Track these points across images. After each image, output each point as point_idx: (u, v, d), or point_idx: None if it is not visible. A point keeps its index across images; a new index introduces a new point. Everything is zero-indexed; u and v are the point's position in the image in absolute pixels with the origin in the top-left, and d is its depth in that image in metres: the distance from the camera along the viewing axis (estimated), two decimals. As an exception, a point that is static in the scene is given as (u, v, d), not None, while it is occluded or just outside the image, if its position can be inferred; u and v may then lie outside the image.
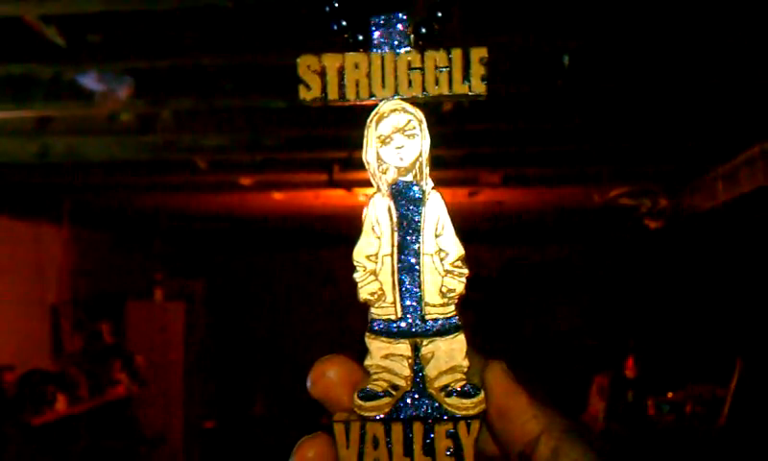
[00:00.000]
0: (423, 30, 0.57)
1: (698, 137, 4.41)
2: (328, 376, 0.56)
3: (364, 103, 0.56)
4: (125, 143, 4.38)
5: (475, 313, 8.49)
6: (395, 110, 0.56)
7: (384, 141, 0.56)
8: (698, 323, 7.25)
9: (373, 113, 0.56)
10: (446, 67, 0.55)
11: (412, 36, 0.57)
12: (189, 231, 8.25)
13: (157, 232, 7.62)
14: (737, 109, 3.86)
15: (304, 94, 0.56)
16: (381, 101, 0.56)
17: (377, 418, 0.54)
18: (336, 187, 4.85)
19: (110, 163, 4.87)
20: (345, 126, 3.67)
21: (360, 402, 0.54)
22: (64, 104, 3.47)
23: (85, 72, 3.06)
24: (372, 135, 0.56)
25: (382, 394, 0.55)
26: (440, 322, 0.56)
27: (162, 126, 3.88)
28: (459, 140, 4.20)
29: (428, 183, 0.56)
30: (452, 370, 0.55)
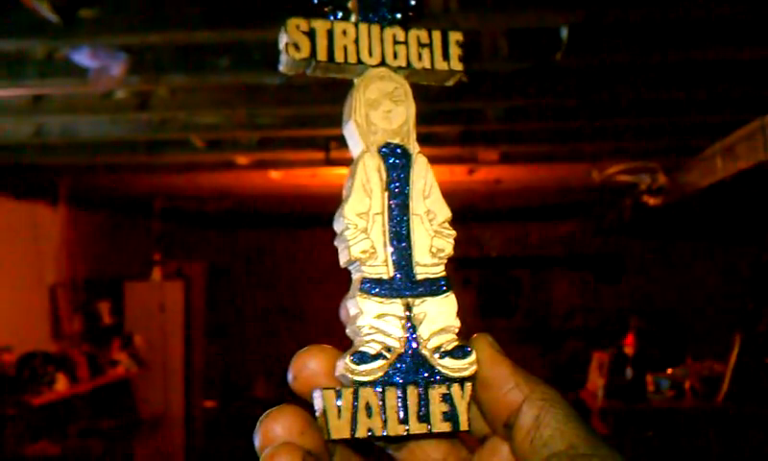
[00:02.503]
0: (412, 2, 0.58)
1: (696, 112, 4.39)
2: (310, 368, 0.54)
3: (346, 75, 0.57)
4: (120, 121, 4.36)
5: (476, 291, 8.50)
6: (382, 77, 0.57)
7: (372, 105, 0.56)
8: (697, 299, 7.26)
9: (360, 78, 0.57)
10: (428, 44, 0.57)
11: (399, 15, 0.58)
12: (187, 211, 8.24)
13: (155, 212, 7.61)
14: (736, 84, 3.84)
15: (293, 53, 0.55)
16: (369, 67, 0.57)
17: (369, 382, 0.53)
18: (333, 165, 4.84)
19: (106, 142, 4.85)
20: (341, 104, 3.64)
21: (352, 366, 0.53)
22: (58, 81, 3.44)
23: (79, 49, 3.03)
24: (360, 98, 0.56)
25: (376, 357, 0.53)
26: (430, 281, 0.55)
27: (158, 104, 3.86)
28: (457, 117, 4.18)
29: (415, 147, 0.56)
30: (444, 330, 0.54)
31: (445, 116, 4.06)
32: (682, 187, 5.80)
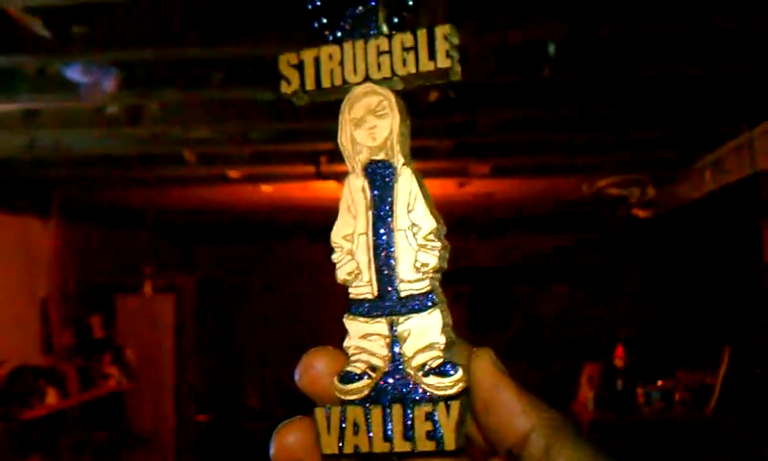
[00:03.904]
0: (396, 19, 0.58)
1: (685, 126, 4.42)
2: (316, 369, 0.55)
3: (338, 96, 0.57)
4: (112, 136, 4.37)
5: (466, 304, 8.50)
6: (366, 93, 0.57)
7: (357, 124, 0.56)
8: (687, 311, 7.28)
9: (346, 98, 0.57)
10: (413, 47, 0.56)
11: (384, 26, 0.57)
12: (178, 225, 8.23)
13: (146, 226, 7.60)
14: (724, 98, 3.87)
15: (285, 89, 0.58)
16: (353, 86, 0.57)
17: (357, 401, 0.54)
18: (323, 179, 4.85)
19: (98, 157, 4.85)
20: (332, 118, 3.66)
21: (339, 385, 0.54)
22: (50, 96, 3.45)
23: (71, 64, 3.04)
24: (346, 119, 0.57)
25: (361, 376, 0.54)
26: (414, 298, 0.55)
27: (150, 118, 3.87)
28: (448, 131, 4.20)
29: (399, 160, 0.56)
30: (429, 347, 0.54)
31: (436, 130, 4.08)
32: (671, 200, 5.83)
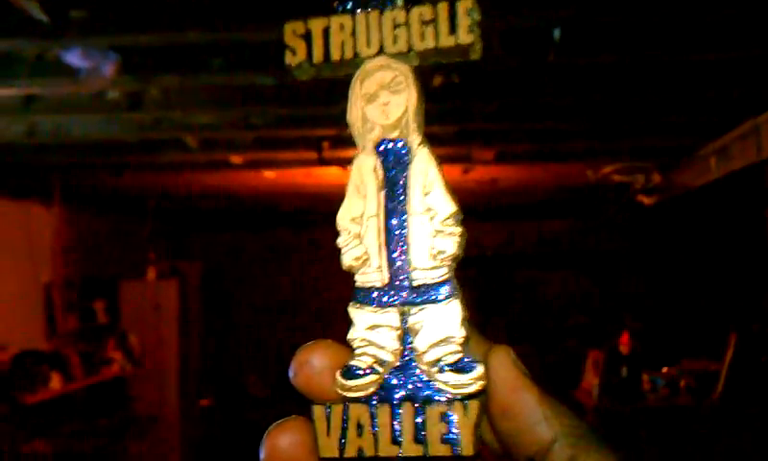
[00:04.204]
0: None
1: (691, 113, 4.38)
2: (312, 364, 0.50)
3: (348, 71, 0.53)
4: (113, 121, 4.35)
5: (470, 290, 8.48)
6: (380, 67, 0.52)
7: (369, 99, 0.52)
8: (692, 298, 7.25)
9: (358, 72, 0.53)
10: (432, 20, 0.52)
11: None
12: (182, 210, 8.22)
13: (149, 211, 7.59)
14: (730, 85, 3.83)
15: (290, 60, 0.53)
16: (366, 59, 0.53)
17: (362, 399, 0.49)
18: (326, 165, 4.82)
19: (99, 142, 4.83)
20: (335, 103, 3.63)
21: (342, 381, 0.49)
22: (50, 81, 3.43)
23: (70, 49, 3.01)
24: (356, 95, 0.52)
25: (367, 371, 0.50)
26: (430, 287, 0.50)
27: (151, 103, 3.84)
28: (452, 117, 4.17)
29: (415, 139, 0.52)
30: (445, 341, 0.49)
31: (440, 115, 4.05)
32: (676, 187, 5.80)
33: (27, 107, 3.96)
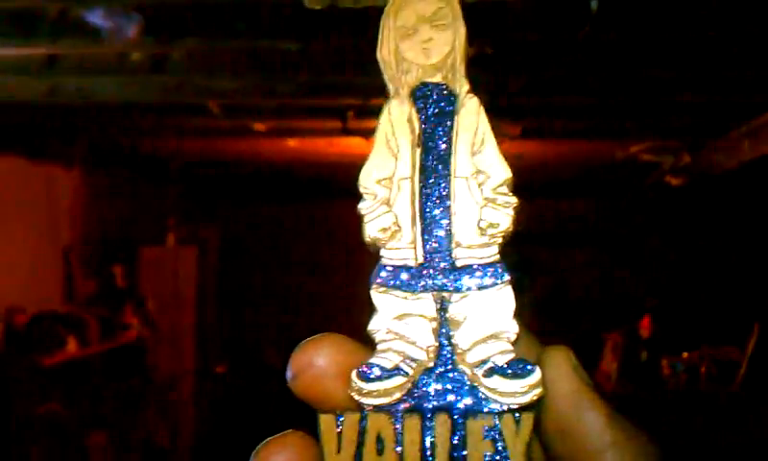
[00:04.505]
0: None
1: (724, 92, 4.28)
2: (318, 366, 0.40)
3: (377, 1, 0.44)
4: (136, 83, 4.30)
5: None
6: None
7: (406, 35, 0.43)
8: (717, 284, 7.16)
9: (391, 1, 0.44)
10: None
11: None
12: (203, 177, 8.20)
13: (170, 177, 7.56)
14: (765, 65, 3.73)
15: None
16: None
17: (384, 407, 0.40)
18: (350, 135, 4.76)
19: (121, 104, 4.79)
20: (360, 71, 3.56)
21: (360, 384, 0.40)
22: (71, 42, 3.38)
23: (92, 9, 2.96)
24: (389, 28, 0.43)
25: (393, 371, 0.40)
26: (476, 269, 0.41)
27: (173, 67, 3.79)
28: (477, 90, 4.09)
29: (463, 86, 0.44)
30: (494, 337, 0.40)
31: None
32: (706, 168, 5.69)
33: (49, 67, 3.91)
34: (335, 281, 8.17)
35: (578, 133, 5.50)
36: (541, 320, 8.07)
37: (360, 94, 3.97)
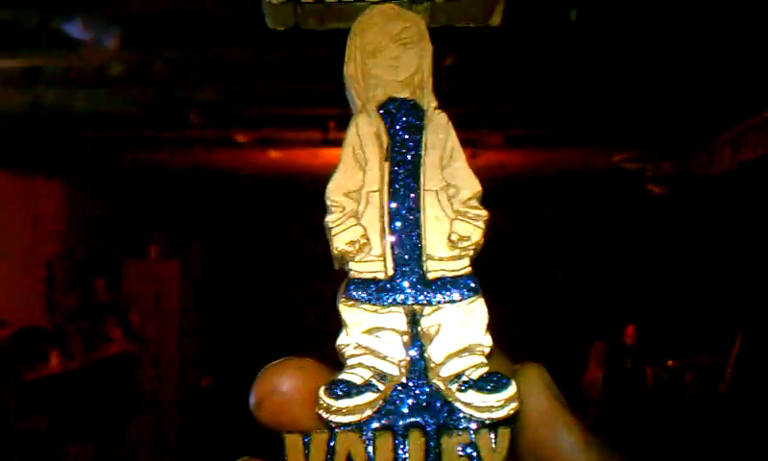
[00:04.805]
0: None
1: (706, 101, 4.32)
2: (282, 392, 0.39)
3: (343, 22, 0.43)
4: (117, 96, 4.29)
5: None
6: (387, 16, 0.43)
7: (373, 53, 0.43)
8: (701, 291, 7.19)
9: (359, 19, 0.43)
10: None
11: None
12: (184, 188, 8.18)
13: (153, 189, 7.54)
14: (746, 73, 3.76)
15: None
16: (369, 3, 0.44)
17: (354, 425, 0.38)
18: (331, 146, 4.76)
19: (103, 117, 4.77)
20: (342, 82, 3.56)
21: (328, 401, 0.38)
22: (52, 53, 3.36)
23: (72, 20, 2.94)
24: (356, 45, 0.43)
25: (363, 388, 0.39)
26: (448, 281, 0.40)
27: (154, 78, 3.79)
28: (459, 99, 4.10)
29: (431, 102, 0.43)
30: (468, 351, 0.39)
31: (447, 97, 3.98)
32: (687, 176, 5.73)
33: (30, 79, 3.90)
34: (319, 292, 8.15)
35: (560, 141, 5.52)
36: (525, 328, 8.10)
37: (341, 105, 3.97)
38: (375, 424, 0.38)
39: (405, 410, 0.38)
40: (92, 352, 6.50)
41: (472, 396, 0.38)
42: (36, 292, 6.43)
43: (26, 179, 6.20)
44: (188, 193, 8.41)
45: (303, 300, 8.40)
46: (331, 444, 0.38)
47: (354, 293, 0.40)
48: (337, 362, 0.41)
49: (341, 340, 0.40)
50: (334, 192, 0.42)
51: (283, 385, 0.39)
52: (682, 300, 7.30)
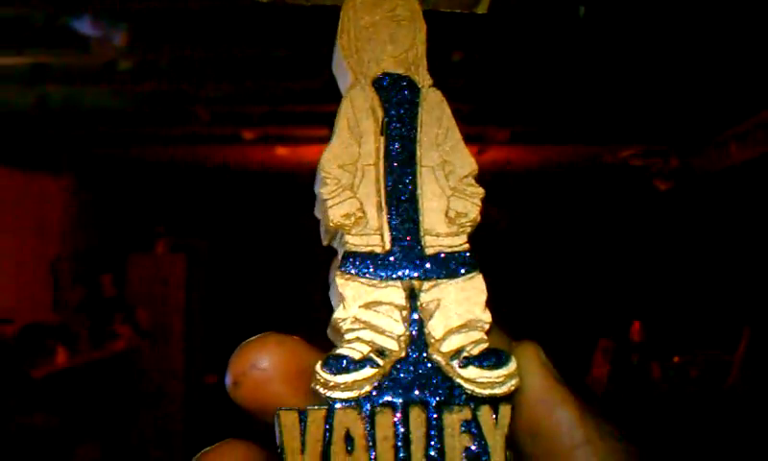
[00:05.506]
0: None
1: (712, 97, 4.31)
2: (261, 369, 0.37)
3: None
4: (124, 92, 4.30)
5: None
6: None
7: (367, 26, 0.42)
8: (707, 287, 7.18)
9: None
10: None
11: None
12: (191, 184, 8.18)
13: (159, 185, 7.54)
14: (753, 70, 3.75)
15: None
16: None
17: (353, 401, 0.37)
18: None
19: (109, 113, 4.78)
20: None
21: (326, 376, 0.37)
22: (59, 50, 3.37)
23: (79, 16, 2.95)
24: (350, 17, 0.42)
25: (362, 362, 0.37)
26: (446, 257, 0.39)
27: (162, 74, 3.79)
28: (466, 95, 4.10)
29: (426, 79, 0.42)
30: (467, 326, 0.38)
31: (454, 93, 3.98)
32: (693, 172, 5.71)
33: (37, 76, 3.90)
34: (326, 289, 8.14)
35: (566, 137, 5.51)
36: (533, 323, 8.08)
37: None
38: (374, 400, 0.37)
39: (405, 386, 0.37)
40: (99, 349, 6.51)
41: (473, 371, 0.37)
42: (42, 289, 6.44)
43: (33, 175, 6.21)
44: (195, 189, 8.42)
45: (310, 296, 8.41)
46: (329, 420, 0.36)
47: (352, 267, 0.40)
48: (324, 344, 0.39)
49: (338, 314, 0.39)
50: (328, 164, 0.41)
51: (263, 362, 0.37)
52: (688, 296, 7.29)
